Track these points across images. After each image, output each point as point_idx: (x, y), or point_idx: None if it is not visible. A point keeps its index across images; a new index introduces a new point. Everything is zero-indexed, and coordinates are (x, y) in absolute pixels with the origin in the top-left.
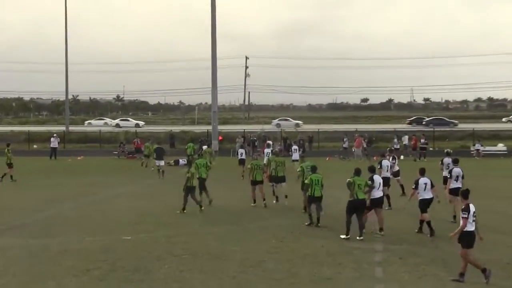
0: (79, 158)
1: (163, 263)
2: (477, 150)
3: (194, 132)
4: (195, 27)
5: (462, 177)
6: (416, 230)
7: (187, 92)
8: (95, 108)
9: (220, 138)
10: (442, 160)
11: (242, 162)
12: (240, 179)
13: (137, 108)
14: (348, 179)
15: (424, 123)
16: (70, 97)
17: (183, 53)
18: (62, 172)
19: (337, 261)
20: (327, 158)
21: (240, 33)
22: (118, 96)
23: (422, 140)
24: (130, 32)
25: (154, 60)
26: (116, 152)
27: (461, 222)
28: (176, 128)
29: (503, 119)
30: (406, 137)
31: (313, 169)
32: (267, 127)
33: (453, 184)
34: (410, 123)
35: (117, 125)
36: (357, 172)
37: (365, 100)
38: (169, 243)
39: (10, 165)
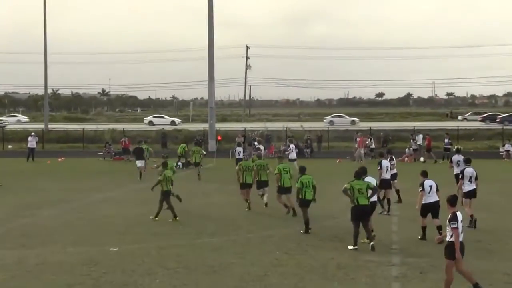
0: (59, 159)
1: (154, 278)
2: (507, 151)
3: (188, 130)
4: (190, 13)
5: (476, 178)
6: (420, 237)
7: (181, 85)
8: (78, 103)
9: (220, 138)
10: (451, 158)
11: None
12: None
13: (124, 103)
14: (345, 185)
15: (498, 120)
16: (49, 91)
17: (177, 42)
18: (41, 175)
19: (349, 275)
20: (338, 160)
21: (240, 20)
22: (103, 90)
23: (446, 140)
24: (117, 18)
25: (144, 50)
26: (102, 153)
27: (453, 232)
28: (168, 126)
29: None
30: (421, 136)
31: (302, 170)
32: (270, 125)
33: (467, 187)
34: (483, 120)
35: (150, 123)
36: (357, 175)
37: (381, 94)
38: (160, 255)
39: None
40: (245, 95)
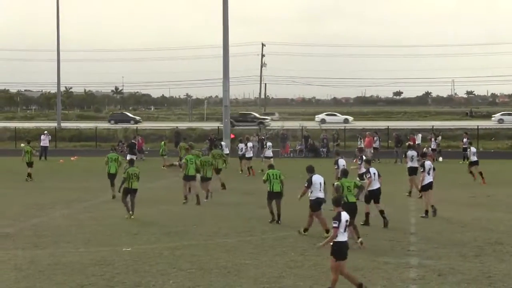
0: (72, 158)
1: (167, 278)
2: None
3: (202, 129)
4: (204, 10)
5: (433, 170)
6: (362, 223)
7: (195, 84)
8: (91, 101)
9: (232, 136)
10: (405, 153)
11: (241, 157)
12: (252, 183)
13: (138, 101)
14: (336, 182)
15: None
16: (62, 89)
17: (191, 39)
18: (53, 174)
19: (366, 277)
20: (354, 160)
21: (256, 17)
22: (116, 88)
23: (465, 140)
24: (131, 15)
25: (157, 47)
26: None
27: (333, 231)
28: (182, 125)
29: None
30: (420, 135)
31: (270, 166)
32: (288, 124)
33: (426, 178)
34: None
35: (323, 121)
36: (345, 174)
37: (398, 93)
38: (174, 255)
39: None
40: (260, 93)
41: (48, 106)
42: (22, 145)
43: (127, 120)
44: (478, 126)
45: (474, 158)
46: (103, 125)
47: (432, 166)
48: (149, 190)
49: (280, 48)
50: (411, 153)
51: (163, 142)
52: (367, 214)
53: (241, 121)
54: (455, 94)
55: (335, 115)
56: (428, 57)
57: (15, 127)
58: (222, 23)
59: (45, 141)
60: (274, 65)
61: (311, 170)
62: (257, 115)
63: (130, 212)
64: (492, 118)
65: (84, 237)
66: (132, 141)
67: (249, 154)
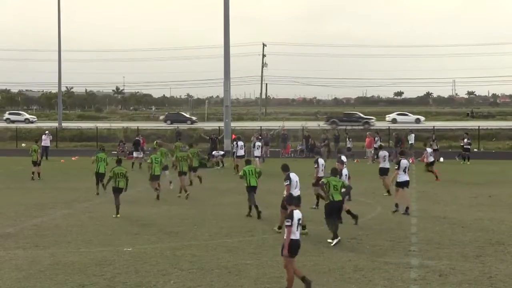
0: (73, 158)
1: (168, 279)
2: None
3: (203, 129)
4: (205, 10)
5: (408, 169)
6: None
7: (196, 84)
8: (92, 101)
9: (234, 136)
10: (377, 154)
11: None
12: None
13: (139, 101)
14: (322, 180)
15: None
16: (63, 89)
17: (192, 39)
18: (54, 174)
19: (366, 277)
20: (355, 161)
21: (257, 17)
22: (117, 88)
23: (466, 140)
24: (132, 15)
25: (158, 47)
26: (115, 152)
27: (286, 230)
28: (183, 125)
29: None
30: (413, 135)
31: (247, 162)
32: (288, 124)
33: (402, 177)
34: None
35: (394, 120)
36: (334, 173)
37: (399, 93)
38: (175, 255)
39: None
40: (261, 94)
41: (49, 106)
42: (23, 145)
43: (183, 120)
44: (479, 126)
45: (431, 159)
46: (103, 125)
47: (409, 165)
48: (150, 190)
49: (281, 48)
50: (383, 153)
51: (177, 143)
52: (348, 211)
53: (346, 120)
54: (456, 94)
55: (406, 115)
56: (429, 58)
57: (16, 127)
58: (223, 23)
59: (46, 141)
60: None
61: (286, 169)
62: (361, 115)
63: (116, 214)
64: (387, 118)
65: (85, 237)
66: (136, 138)
67: (241, 152)
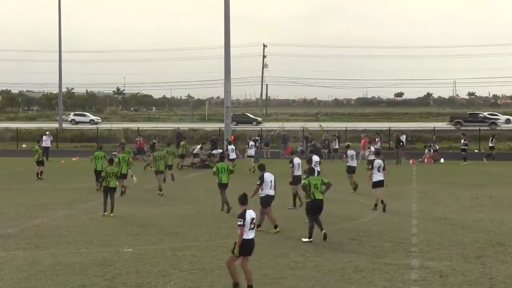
0: (73, 159)
1: (168, 279)
2: None
3: (204, 130)
4: (206, 11)
5: (383, 169)
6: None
7: (197, 84)
8: (92, 102)
9: (232, 137)
10: (346, 153)
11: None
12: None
13: (139, 102)
14: (303, 181)
15: None
16: (64, 90)
17: (192, 40)
18: (55, 175)
19: (367, 278)
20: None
21: (257, 17)
22: (118, 89)
23: (462, 141)
24: (132, 16)
25: (159, 48)
26: (116, 153)
27: (239, 230)
28: (183, 126)
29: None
30: (404, 136)
31: (221, 158)
32: (288, 125)
33: (376, 176)
34: None
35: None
36: (312, 172)
37: (400, 94)
38: (175, 256)
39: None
40: (261, 94)
41: (49, 106)
42: (24, 146)
43: (249, 121)
44: (479, 127)
45: (353, 163)
46: (104, 125)
47: (383, 164)
48: (150, 190)
49: (282, 49)
50: (351, 152)
51: (183, 143)
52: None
53: (471, 121)
54: (457, 95)
55: (495, 115)
56: (429, 58)
57: (17, 127)
58: (224, 23)
59: (46, 141)
60: (275, 66)
61: (262, 168)
62: (487, 114)
63: (106, 212)
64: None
65: (85, 238)
66: (154, 141)
67: (233, 156)
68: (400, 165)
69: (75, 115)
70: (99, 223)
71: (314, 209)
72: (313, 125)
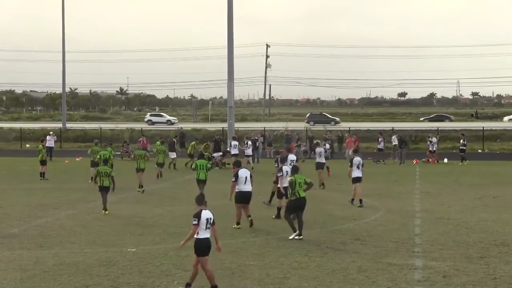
0: (77, 159)
1: (172, 279)
2: None
3: (207, 130)
4: (209, 11)
5: (362, 165)
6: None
7: (200, 84)
8: (96, 102)
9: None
10: (314, 150)
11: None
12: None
13: (142, 102)
14: (290, 178)
15: None
16: (67, 90)
17: (195, 40)
18: (58, 175)
19: (370, 278)
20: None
21: (261, 17)
22: (121, 89)
23: (462, 141)
24: (135, 16)
25: (162, 48)
26: (119, 153)
27: (192, 229)
28: (187, 126)
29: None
30: (394, 137)
31: (200, 155)
32: (292, 125)
33: (355, 173)
34: None
35: None
36: (296, 170)
37: (403, 94)
38: (178, 256)
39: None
40: (264, 94)
41: (53, 106)
42: (28, 145)
43: (327, 121)
44: (483, 127)
45: (321, 160)
46: (107, 125)
47: (362, 162)
48: (154, 190)
49: (285, 49)
50: (319, 149)
51: (193, 143)
52: (279, 209)
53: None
54: (460, 95)
55: None
56: (433, 58)
57: (21, 127)
58: (227, 24)
59: (50, 141)
60: (278, 66)
61: (238, 165)
62: None
63: (104, 211)
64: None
65: (89, 238)
66: (173, 139)
67: (234, 151)
68: (404, 165)
69: (151, 115)
70: (102, 223)
71: (299, 206)
72: (316, 126)
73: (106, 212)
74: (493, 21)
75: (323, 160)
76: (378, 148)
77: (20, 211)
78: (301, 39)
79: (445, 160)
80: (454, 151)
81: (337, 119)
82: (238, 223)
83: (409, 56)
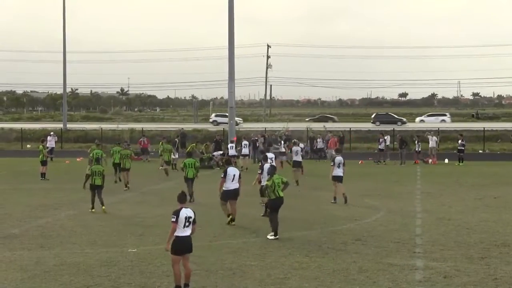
0: (78, 159)
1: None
2: None
3: (208, 130)
4: (209, 11)
5: (343, 165)
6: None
7: (201, 85)
8: (96, 102)
9: (235, 138)
10: (291, 149)
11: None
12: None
13: (143, 103)
14: (266, 182)
15: None
16: (68, 90)
17: (196, 40)
18: (59, 175)
19: (371, 279)
20: (360, 162)
21: (262, 17)
22: (122, 90)
23: (460, 141)
24: (136, 17)
25: (163, 49)
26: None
27: (172, 226)
28: (187, 126)
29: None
30: (388, 137)
31: (188, 154)
32: (292, 126)
33: (336, 172)
34: None
35: None
36: (274, 170)
37: (404, 94)
38: None
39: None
40: (265, 95)
41: (54, 107)
42: (29, 146)
43: (394, 121)
44: (484, 127)
45: (298, 158)
46: (108, 126)
47: (343, 161)
48: (154, 191)
49: (286, 50)
50: (296, 148)
51: (193, 144)
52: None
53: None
54: (461, 95)
55: None
56: (434, 59)
57: (21, 128)
58: (228, 24)
59: (51, 142)
60: (279, 67)
61: (228, 163)
62: None
63: (94, 209)
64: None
65: (89, 238)
66: (175, 139)
67: (232, 152)
68: (405, 166)
69: (216, 116)
70: (103, 223)
71: (277, 205)
72: (317, 126)
73: (103, 207)
74: (494, 22)
75: (300, 159)
76: (379, 149)
77: (20, 211)
78: (302, 40)
79: (446, 161)
80: (455, 151)
81: (404, 119)
82: (228, 215)
83: (410, 56)
